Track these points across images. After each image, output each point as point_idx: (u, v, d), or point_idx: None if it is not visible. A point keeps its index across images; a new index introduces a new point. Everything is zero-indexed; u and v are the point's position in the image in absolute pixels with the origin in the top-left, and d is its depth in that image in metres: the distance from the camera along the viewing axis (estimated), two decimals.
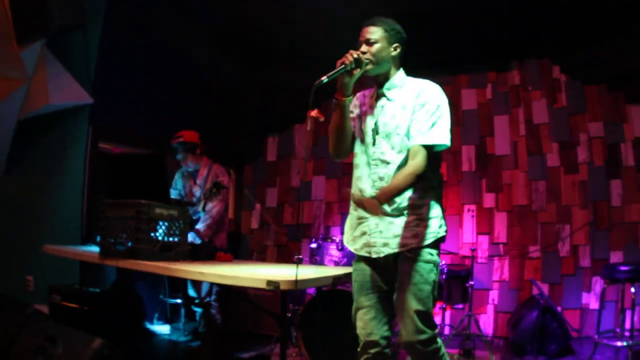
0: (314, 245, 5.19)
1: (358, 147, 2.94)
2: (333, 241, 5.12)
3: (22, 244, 5.49)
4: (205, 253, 4.13)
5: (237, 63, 7.26)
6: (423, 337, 2.64)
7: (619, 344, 4.34)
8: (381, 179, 2.78)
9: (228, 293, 4.95)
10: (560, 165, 6.12)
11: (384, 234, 2.77)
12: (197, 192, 5.05)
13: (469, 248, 5.69)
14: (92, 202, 5.29)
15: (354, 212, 2.95)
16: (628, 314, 4.50)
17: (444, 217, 2.87)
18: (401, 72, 2.91)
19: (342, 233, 6.60)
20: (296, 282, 2.80)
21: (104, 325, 4.41)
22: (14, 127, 5.23)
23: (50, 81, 5.15)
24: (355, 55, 2.67)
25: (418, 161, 2.67)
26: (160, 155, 3.96)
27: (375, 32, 2.77)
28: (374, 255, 2.79)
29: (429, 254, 2.72)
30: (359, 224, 2.88)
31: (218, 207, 4.92)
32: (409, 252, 2.71)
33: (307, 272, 3.38)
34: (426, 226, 2.75)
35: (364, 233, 2.85)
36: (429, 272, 2.70)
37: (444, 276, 5.19)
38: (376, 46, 2.76)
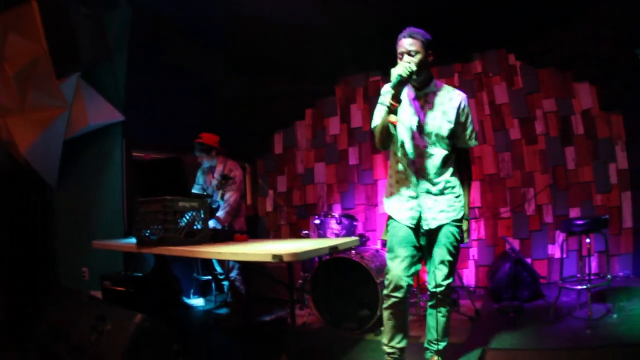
0: (317, 222, 5.25)
1: (402, 137, 3.06)
2: (333, 217, 5.16)
3: (77, 242, 5.58)
4: (225, 236, 4.15)
5: (244, 76, 7.37)
6: (449, 280, 3.11)
7: (579, 287, 4.37)
8: (424, 166, 3.02)
9: (249, 268, 5.02)
10: (521, 137, 6.16)
11: (432, 210, 3.04)
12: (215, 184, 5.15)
13: None
14: (130, 202, 5.37)
15: (404, 192, 3.11)
16: (587, 261, 4.53)
17: None
18: (433, 76, 3.08)
19: (343, 209, 6.73)
20: (296, 254, 2.87)
21: (147, 302, 4.49)
22: (61, 147, 5.29)
23: (87, 106, 5.22)
24: (410, 68, 2.75)
25: (469, 161, 3.26)
26: (179, 158, 3.99)
27: (415, 44, 2.84)
28: (426, 227, 3.05)
29: (459, 221, 3.11)
30: (410, 200, 3.08)
31: (235, 196, 5.00)
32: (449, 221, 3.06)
33: (308, 244, 3.43)
34: (460, 201, 3.12)
35: (412, 208, 3.07)
36: (458, 234, 3.11)
37: None
38: (418, 56, 2.85)
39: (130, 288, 4.63)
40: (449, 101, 3.02)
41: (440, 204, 3.05)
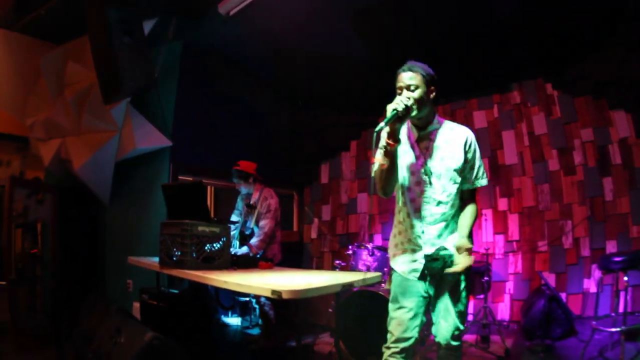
0: (350, 252, 4.74)
1: (405, 183, 2.51)
2: (366, 248, 4.62)
3: (124, 255, 5.33)
4: (248, 262, 3.82)
5: (292, 108, 7.15)
6: (458, 332, 2.45)
7: (613, 329, 3.77)
8: (432, 215, 2.44)
9: None
10: (560, 169, 5.46)
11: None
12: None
13: (485, 247, 5.09)
14: None
15: (407, 245, 2.52)
16: (621, 296, 3.97)
17: None
18: (436, 113, 2.53)
19: (383, 239, 6.14)
20: (297, 291, 2.41)
21: (180, 318, 4.23)
22: (113, 168, 5.28)
23: (135, 131, 5.16)
24: (405, 102, 2.26)
25: (475, 201, 2.55)
26: (199, 183, 3.76)
27: (414, 78, 2.34)
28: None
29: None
30: (413, 252, 2.48)
31: (270, 224, 4.73)
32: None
33: (322, 279, 2.96)
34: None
35: (415, 260, 2.47)
36: (464, 279, 2.46)
37: None
38: (418, 91, 2.33)
39: (164, 303, 4.38)
40: (454, 139, 2.46)
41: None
